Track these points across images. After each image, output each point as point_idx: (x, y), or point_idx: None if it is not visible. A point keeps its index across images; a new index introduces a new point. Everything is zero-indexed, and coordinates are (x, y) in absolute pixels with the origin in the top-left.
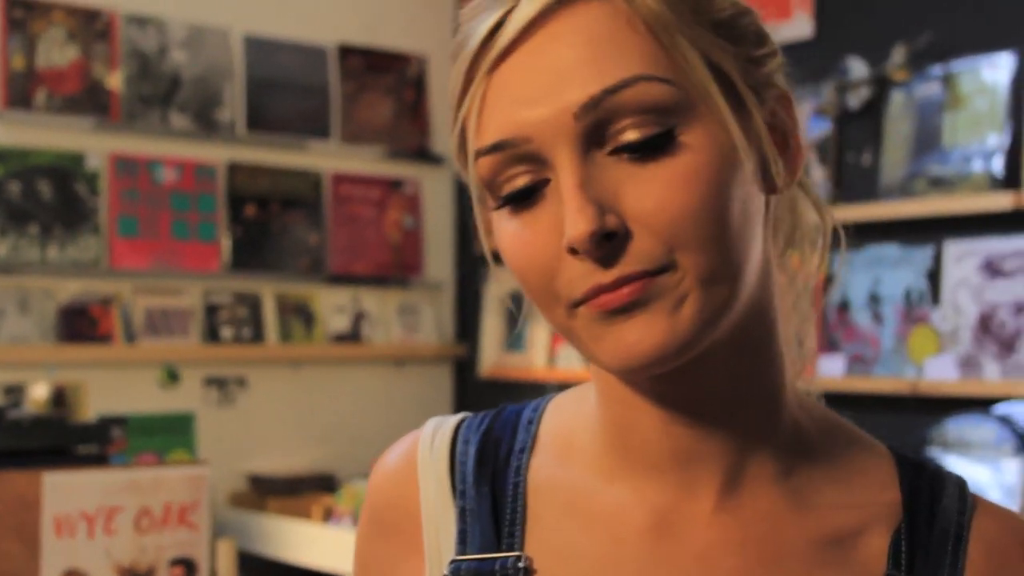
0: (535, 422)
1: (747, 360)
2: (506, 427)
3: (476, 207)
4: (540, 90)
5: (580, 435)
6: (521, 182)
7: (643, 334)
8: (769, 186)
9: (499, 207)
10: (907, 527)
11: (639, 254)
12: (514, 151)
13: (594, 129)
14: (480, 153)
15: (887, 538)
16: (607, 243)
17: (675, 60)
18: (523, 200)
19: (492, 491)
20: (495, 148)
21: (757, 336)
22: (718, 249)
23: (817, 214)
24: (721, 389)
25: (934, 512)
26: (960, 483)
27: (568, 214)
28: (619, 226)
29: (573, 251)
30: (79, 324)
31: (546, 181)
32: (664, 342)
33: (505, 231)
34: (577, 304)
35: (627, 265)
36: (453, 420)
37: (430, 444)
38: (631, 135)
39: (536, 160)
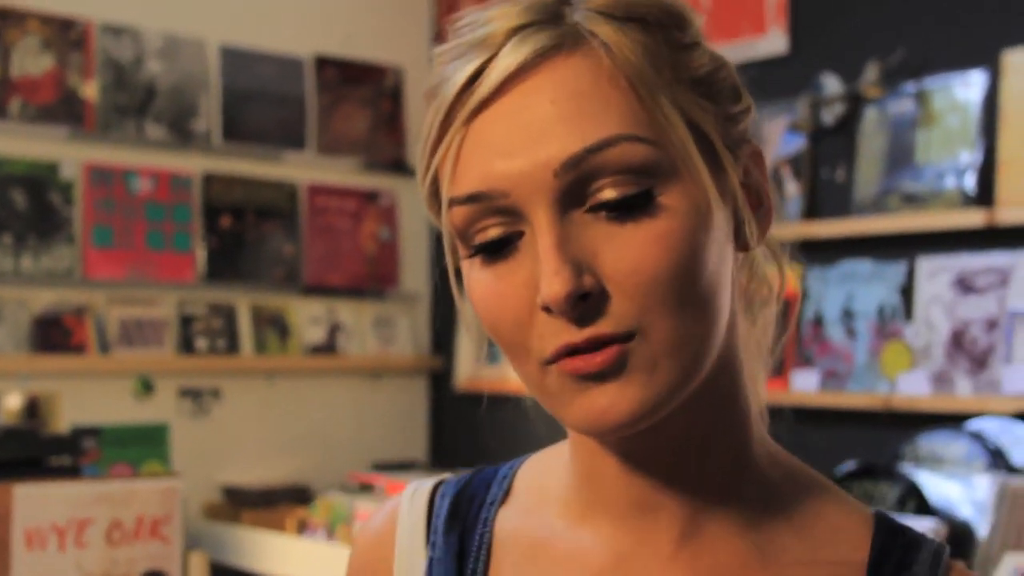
0: (509, 477)
1: (710, 414)
2: (481, 483)
3: (447, 254)
4: (520, 144)
5: (552, 484)
6: (494, 233)
7: (615, 400)
8: (741, 244)
9: (471, 256)
10: None
11: (613, 315)
12: (490, 203)
13: (573, 187)
14: (455, 202)
15: None
16: (582, 303)
17: (656, 119)
18: (496, 251)
19: (460, 541)
20: (471, 199)
21: (720, 390)
22: (692, 312)
23: (777, 270)
24: (682, 442)
25: None
26: (937, 550)
27: (544, 274)
28: (595, 286)
29: (547, 310)
30: (53, 334)
31: (520, 234)
32: (635, 409)
33: (477, 281)
34: (548, 362)
35: (600, 326)
36: (434, 479)
37: (409, 500)
38: (610, 194)
39: (512, 213)
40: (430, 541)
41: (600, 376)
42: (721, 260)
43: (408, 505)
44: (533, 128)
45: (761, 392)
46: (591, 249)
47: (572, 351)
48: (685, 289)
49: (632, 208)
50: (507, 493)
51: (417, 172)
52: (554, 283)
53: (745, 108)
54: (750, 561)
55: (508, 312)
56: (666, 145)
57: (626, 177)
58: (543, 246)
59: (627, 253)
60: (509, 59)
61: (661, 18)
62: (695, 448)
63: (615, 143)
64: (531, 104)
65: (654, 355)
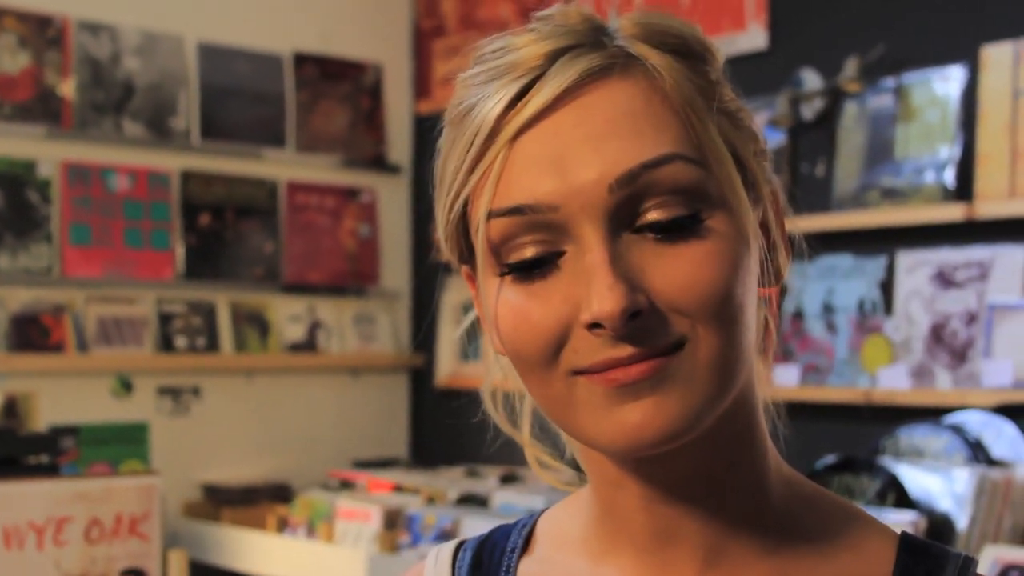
0: (529, 526)
1: (729, 445)
2: (501, 535)
3: (480, 274)
4: (572, 159)
5: (572, 526)
6: (532, 252)
7: (651, 417)
8: (770, 280)
9: (504, 274)
10: None
11: (660, 329)
12: (535, 217)
13: (624, 204)
14: (495, 215)
15: None
16: (632, 321)
17: (705, 144)
18: (531, 270)
19: None
20: (515, 211)
21: (740, 422)
22: (733, 332)
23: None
24: (702, 472)
25: None
26: (964, 565)
27: (597, 290)
28: (646, 304)
29: (596, 326)
30: (31, 333)
31: (560, 253)
32: (671, 425)
33: (507, 300)
34: (579, 372)
35: (644, 343)
36: (456, 540)
37: (434, 561)
38: (659, 215)
39: (556, 230)
40: None
41: (636, 388)
42: (753, 289)
43: (432, 564)
44: (586, 144)
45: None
46: (640, 268)
47: (612, 365)
48: (730, 308)
49: (680, 229)
50: (527, 542)
51: (440, 200)
52: (607, 299)
53: (764, 148)
54: None
55: (544, 331)
56: (714, 171)
57: (676, 198)
58: (596, 262)
59: (677, 270)
60: (561, 76)
61: (698, 50)
62: (714, 479)
63: (670, 161)
64: (585, 121)
65: (691, 371)
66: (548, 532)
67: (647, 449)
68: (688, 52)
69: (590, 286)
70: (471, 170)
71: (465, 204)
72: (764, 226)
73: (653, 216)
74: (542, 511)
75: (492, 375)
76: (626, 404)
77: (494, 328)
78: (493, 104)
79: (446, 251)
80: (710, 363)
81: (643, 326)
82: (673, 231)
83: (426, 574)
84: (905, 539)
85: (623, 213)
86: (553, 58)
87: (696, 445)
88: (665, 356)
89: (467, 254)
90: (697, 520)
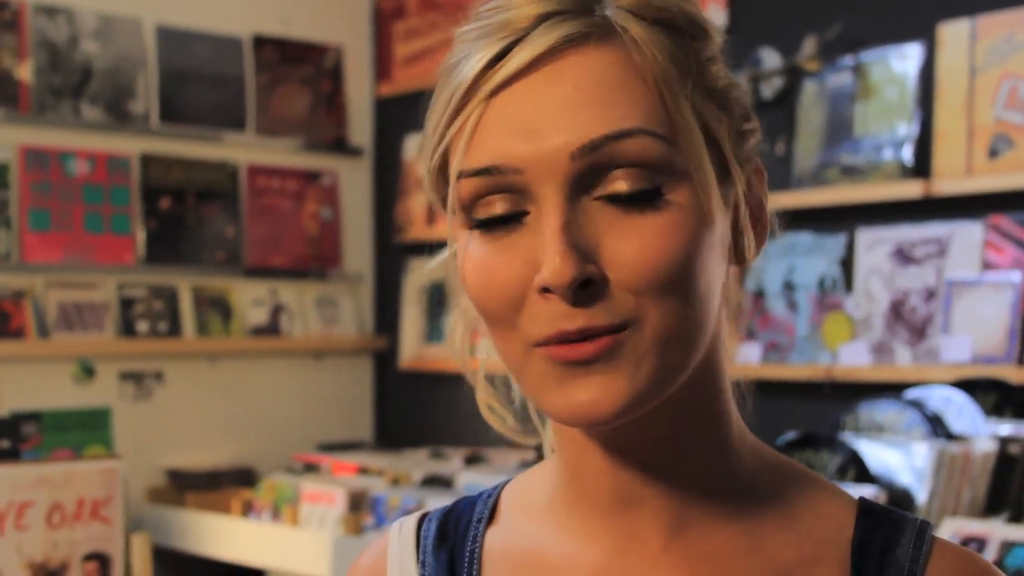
0: (494, 496)
1: (692, 414)
2: (466, 505)
3: (449, 227)
4: (540, 124)
5: (538, 493)
6: (499, 208)
7: (598, 394)
8: (739, 258)
9: (472, 228)
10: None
11: (610, 304)
12: (501, 179)
13: (586, 172)
14: (465, 174)
15: None
16: (582, 290)
17: (675, 120)
18: (497, 226)
19: (450, 558)
20: (482, 172)
21: (703, 393)
22: (685, 309)
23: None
24: (665, 437)
25: (885, 562)
26: (921, 528)
27: (548, 255)
28: (596, 274)
29: (546, 290)
30: None
31: (525, 212)
32: (618, 404)
33: (473, 254)
34: (536, 345)
35: (595, 316)
36: (419, 512)
37: (398, 532)
38: (620, 186)
39: (520, 192)
40: (420, 561)
41: (586, 364)
42: (716, 266)
43: (396, 536)
44: (555, 110)
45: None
46: (595, 237)
47: (563, 338)
48: (682, 284)
49: (640, 201)
50: (493, 512)
51: (425, 144)
52: (558, 265)
53: (754, 128)
54: (739, 548)
55: (503, 287)
56: (681, 147)
57: (639, 171)
58: (550, 227)
59: (631, 243)
60: (539, 41)
61: (687, 27)
62: (677, 442)
63: (635, 135)
64: (555, 87)
65: (643, 348)
66: (513, 502)
67: (597, 425)
68: (676, 27)
69: (544, 251)
70: (449, 124)
71: (444, 155)
72: (735, 205)
73: (613, 187)
74: (506, 481)
75: (458, 322)
76: (577, 381)
77: (463, 280)
78: (475, 62)
79: (430, 195)
80: (660, 339)
81: (593, 295)
82: (632, 203)
83: (390, 547)
84: (864, 504)
85: (584, 181)
86: (539, 21)
87: (658, 411)
88: (615, 333)
89: (447, 200)
90: (661, 484)
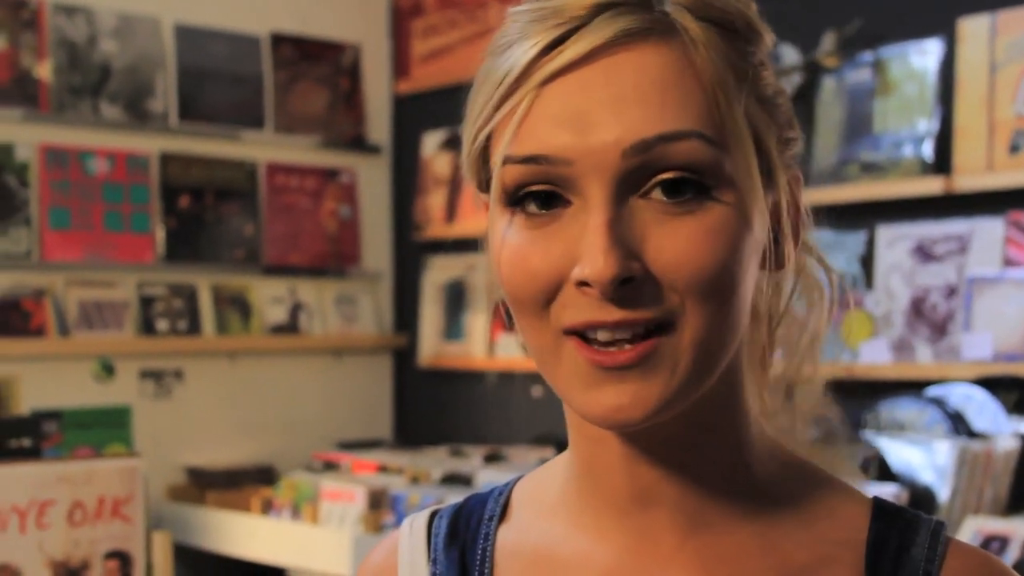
0: (505, 494)
1: (711, 413)
2: (477, 502)
3: (491, 211)
4: (592, 117)
5: (550, 490)
6: (543, 197)
7: (631, 401)
8: (777, 263)
9: (513, 213)
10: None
11: (650, 302)
12: (549, 168)
13: (635, 171)
14: (512, 160)
15: None
16: (622, 287)
17: (727, 126)
18: (537, 215)
19: (461, 556)
20: (531, 160)
21: (722, 393)
22: (723, 312)
23: (825, 272)
24: (682, 435)
25: (900, 562)
26: (935, 529)
27: (591, 250)
28: (640, 272)
29: (585, 284)
30: (11, 317)
31: (568, 203)
32: (648, 410)
33: (511, 240)
34: (568, 332)
35: (634, 311)
36: (430, 508)
37: (408, 530)
38: (667, 188)
39: (566, 183)
40: (431, 559)
41: (621, 371)
42: (751, 271)
43: (407, 533)
44: (608, 105)
45: (764, 395)
46: (639, 235)
47: (597, 326)
48: (723, 287)
49: (686, 204)
50: (504, 510)
51: (468, 124)
52: (600, 262)
53: (796, 136)
54: (754, 548)
55: (539, 276)
56: (731, 153)
57: (687, 175)
58: (595, 223)
59: (675, 242)
60: (597, 33)
61: (744, 30)
62: (695, 441)
63: (688, 138)
64: (612, 82)
65: (680, 352)
66: (525, 499)
67: (626, 428)
68: (733, 29)
69: (587, 245)
70: (497, 107)
71: (488, 137)
72: (776, 213)
73: (660, 188)
74: (518, 478)
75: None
76: (609, 385)
77: (497, 265)
78: (529, 47)
79: (467, 177)
80: (697, 343)
81: (634, 292)
82: (679, 205)
83: (401, 543)
84: (878, 504)
85: (633, 178)
86: (596, 11)
87: (678, 412)
88: (651, 339)
89: (485, 184)
90: (677, 483)
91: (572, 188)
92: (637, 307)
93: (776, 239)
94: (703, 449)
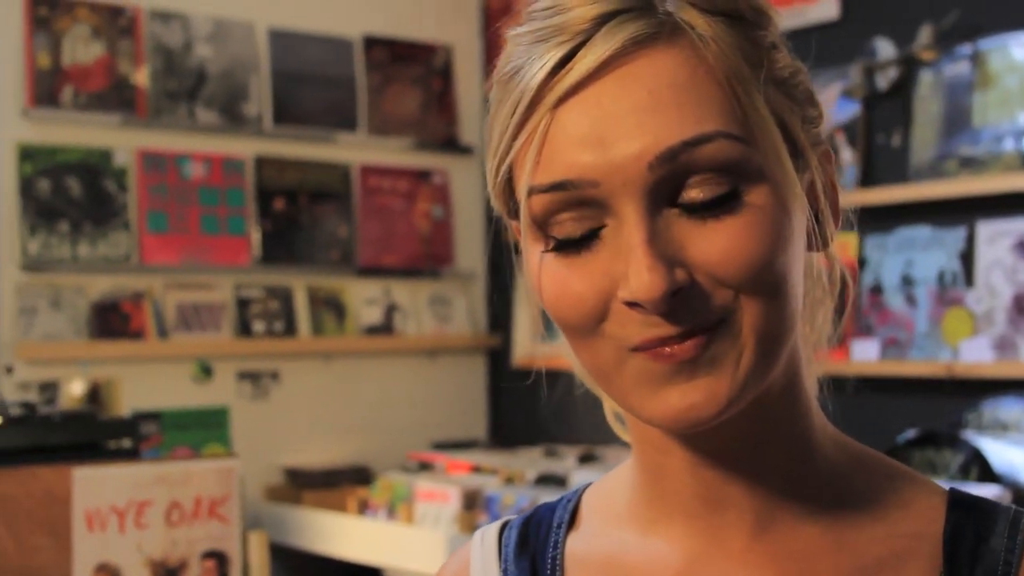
0: (573, 501)
1: (773, 408)
2: (546, 511)
3: (523, 239)
4: (613, 132)
5: (617, 498)
6: (574, 229)
7: (700, 399)
8: (821, 243)
9: (548, 250)
10: (947, 570)
11: (702, 304)
12: (575, 192)
13: (664, 181)
14: (536, 191)
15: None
16: (673, 299)
17: (750, 117)
18: (574, 245)
19: (532, 567)
20: (556, 187)
21: (782, 385)
22: (777, 300)
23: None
24: (747, 434)
25: (979, 553)
26: (1015, 517)
27: (635, 270)
28: (686, 280)
29: (634, 304)
30: (111, 320)
31: (601, 226)
32: (719, 406)
33: (549, 271)
34: (633, 349)
35: (687, 319)
36: (500, 520)
37: (480, 541)
38: (698, 193)
39: (596, 205)
40: (503, 569)
41: (690, 366)
42: (798, 256)
43: (478, 544)
44: (628, 118)
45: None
46: (679, 244)
47: (665, 342)
48: (772, 278)
49: (720, 205)
50: (573, 517)
51: (488, 160)
52: (646, 280)
53: (819, 112)
54: (826, 544)
55: (585, 303)
56: (759, 144)
57: (716, 176)
58: (635, 241)
59: (717, 243)
60: (604, 45)
61: (749, 14)
62: (759, 441)
63: (713, 139)
64: (626, 93)
65: (740, 345)
66: (594, 506)
67: (692, 429)
68: (739, 17)
69: (629, 264)
70: (515, 136)
71: (510, 168)
72: (812, 192)
73: (693, 193)
74: (586, 486)
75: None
76: (678, 384)
77: (537, 291)
78: (537, 69)
79: (496, 206)
80: (757, 334)
81: (685, 302)
82: (714, 205)
83: (472, 555)
84: (954, 495)
85: (663, 189)
86: (600, 22)
87: (740, 409)
88: (712, 330)
89: (514, 211)
90: (744, 483)
91: (603, 209)
92: (695, 314)
93: (817, 219)
94: (767, 446)
